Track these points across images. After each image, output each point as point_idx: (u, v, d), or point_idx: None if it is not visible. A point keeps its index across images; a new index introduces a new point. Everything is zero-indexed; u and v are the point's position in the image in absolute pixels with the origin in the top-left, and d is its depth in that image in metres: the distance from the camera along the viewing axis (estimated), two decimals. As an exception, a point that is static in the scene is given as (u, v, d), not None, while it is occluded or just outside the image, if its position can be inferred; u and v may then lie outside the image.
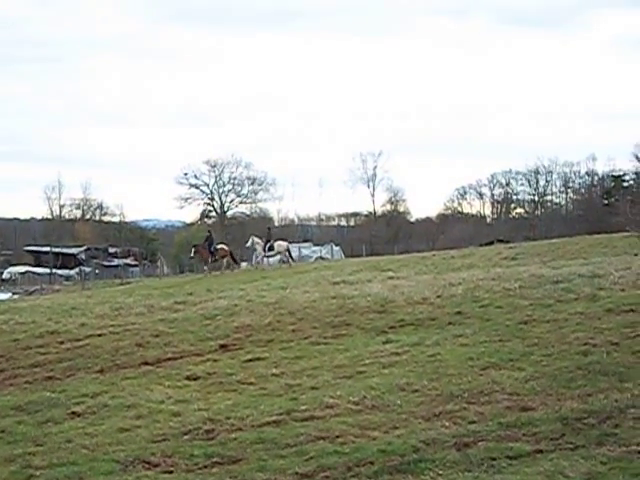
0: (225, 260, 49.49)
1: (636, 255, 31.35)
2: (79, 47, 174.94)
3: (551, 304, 18.76)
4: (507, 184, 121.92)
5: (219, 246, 50.27)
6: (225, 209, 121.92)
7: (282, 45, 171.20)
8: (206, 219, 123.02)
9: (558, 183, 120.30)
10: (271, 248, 49.58)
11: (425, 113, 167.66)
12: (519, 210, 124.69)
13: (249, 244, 50.50)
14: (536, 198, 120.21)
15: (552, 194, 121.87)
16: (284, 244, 50.45)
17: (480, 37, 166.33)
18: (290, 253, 50.65)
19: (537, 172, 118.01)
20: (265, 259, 50.93)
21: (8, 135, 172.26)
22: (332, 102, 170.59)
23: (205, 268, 49.00)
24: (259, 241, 50.06)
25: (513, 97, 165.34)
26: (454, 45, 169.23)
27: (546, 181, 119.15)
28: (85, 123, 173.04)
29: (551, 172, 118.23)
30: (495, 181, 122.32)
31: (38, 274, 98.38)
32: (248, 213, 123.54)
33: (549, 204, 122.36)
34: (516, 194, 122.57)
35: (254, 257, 51.76)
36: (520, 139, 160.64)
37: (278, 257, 51.08)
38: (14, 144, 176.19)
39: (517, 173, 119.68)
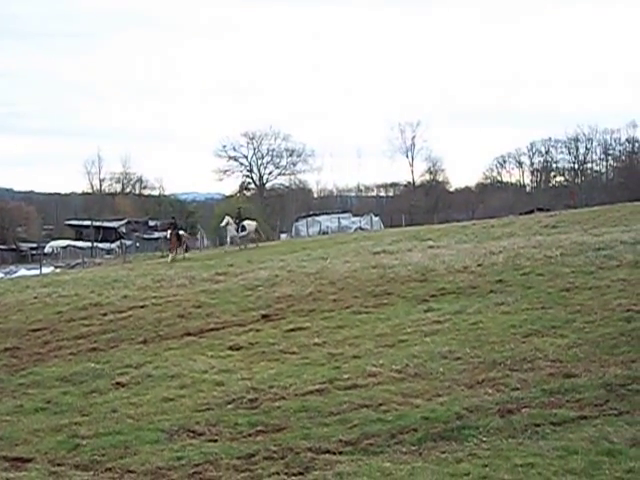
0: (251, 235, 49.08)
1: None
2: (116, 21, 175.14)
3: (593, 271, 18.65)
4: (547, 152, 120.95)
5: (245, 222, 49.60)
6: (264, 181, 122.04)
7: (320, 16, 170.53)
8: (245, 191, 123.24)
9: (598, 150, 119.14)
10: (243, 228, 49.04)
11: (464, 82, 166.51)
12: (559, 178, 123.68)
13: (223, 223, 49.99)
14: (576, 166, 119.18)
15: (592, 162, 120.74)
16: (253, 224, 49.88)
17: (519, 4, 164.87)
18: (260, 232, 50.05)
19: (577, 140, 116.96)
20: (230, 239, 50.16)
21: (48, 110, 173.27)
22: (370, 72, 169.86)
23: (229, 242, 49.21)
24: (231, 221, 49.53)
25: (553, 65, 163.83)
26: (494, 13, 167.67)
27: (586, 149, 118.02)
28: (124, 97, 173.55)
29: (591, 140, 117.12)
30: (534, 149, 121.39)
31: (79, 248, 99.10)
32: (287, 185, 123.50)
33: (589, 172, 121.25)
34: (556, 162, 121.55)
35: (227, 236, 50.30)
36: (560, 107, 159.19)
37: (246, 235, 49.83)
38: (54, 119, 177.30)
39: (557, 141, 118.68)
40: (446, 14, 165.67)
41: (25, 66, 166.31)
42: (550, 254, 21.63)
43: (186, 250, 46.42)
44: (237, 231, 48.80)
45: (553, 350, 12.36)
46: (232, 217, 49.98)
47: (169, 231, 46.93)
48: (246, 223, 49.31)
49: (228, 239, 49.68)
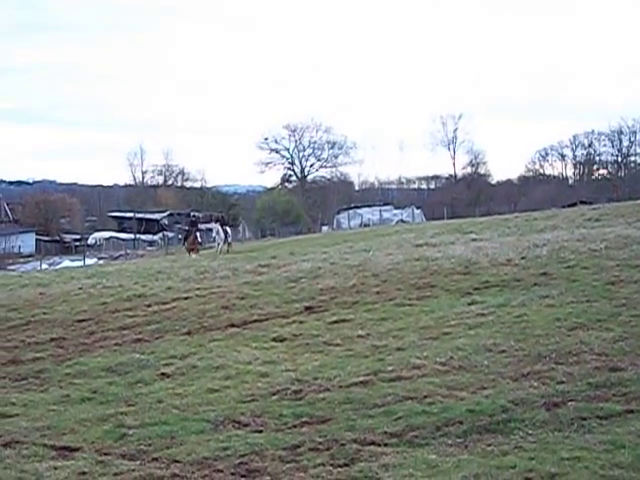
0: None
1: None
2: (158, 15, 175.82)
3: (638, 265, 18.50)
4: (589, 145, 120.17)
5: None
6: (305, 173, 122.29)
7: (363, 6, 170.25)
8: (286, 183, 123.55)
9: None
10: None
11: (506, 74, 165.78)
12: (602, 171, 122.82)
13: (213, 232, 48.15)
14: (619, 159, 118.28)
15: (636, 155, 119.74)
16: (216, 225, 48.27)
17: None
18: (227, 235, 48.00)
19: (620, 132, 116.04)
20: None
21: (91, 103, 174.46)
22: (413, 64, 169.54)
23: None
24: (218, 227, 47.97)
25: (595, 57, 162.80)
26: (540, 3, 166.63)
27: (630, 141, 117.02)
28: (166, 90, 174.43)
29: (635, 132, 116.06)
30: (577, 142, 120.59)
31: (122, 239, 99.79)
32: (328, 177, 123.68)
33: (632, 165, 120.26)
34: (599, 155, 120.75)
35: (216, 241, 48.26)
36: (603, 99, 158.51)
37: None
38: (97, 112, 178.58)
39: (600, 134, 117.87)
40: (491, 4, 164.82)
41: (69, 58, 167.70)
42: (594, 247, 21.49)
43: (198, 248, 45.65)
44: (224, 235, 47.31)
45: (599, 343, 12.28)
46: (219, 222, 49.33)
47: (188, 229, 47.11)
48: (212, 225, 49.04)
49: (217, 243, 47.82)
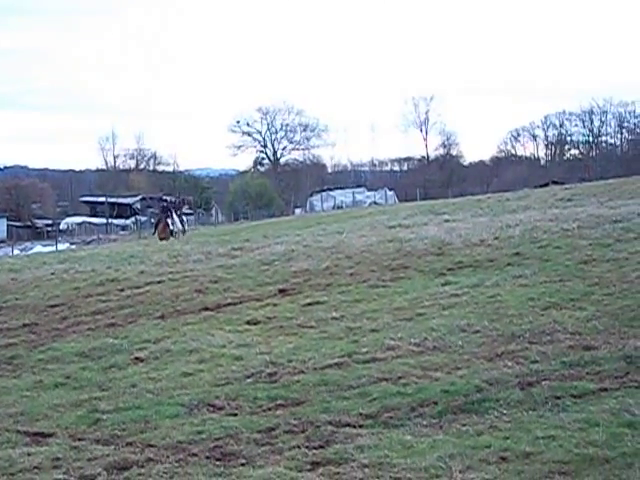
0: None
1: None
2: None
3: (611, 243, 18.63)
4: (561, 125, 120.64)
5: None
6: (278, 156, 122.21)
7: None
8: (259, 166, 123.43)
9: (613, 123, 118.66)
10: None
11: (478, 56, 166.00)
12: (573, 151, 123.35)
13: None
14: (590, 139, 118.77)
15: (607, 135, 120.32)
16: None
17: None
18: (182, 222, 47.22)
19: (591, 113, 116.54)
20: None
21: (62, 87, 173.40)
22: (384, 46, 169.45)
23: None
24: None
25: (565, 37, 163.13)
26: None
27: (601, 122, 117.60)
28: (138, 73, 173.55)
29: (606, 112, 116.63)
30: (549, 123, 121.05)
31: (95, 224, 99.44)
32: (301, 160, 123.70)
33: (604, 145, 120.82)
34: (570, 135, 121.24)
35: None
36: (573, 80, 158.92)
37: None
38: (68, 96, 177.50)
39: (571, 114, 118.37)
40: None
41: (38, 43, 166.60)
42: (567, 227, 21.61)
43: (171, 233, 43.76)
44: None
45: (572, 323, 12.33)
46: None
47: (158, 215, 45.81)
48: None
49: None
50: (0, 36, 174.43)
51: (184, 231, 45.20)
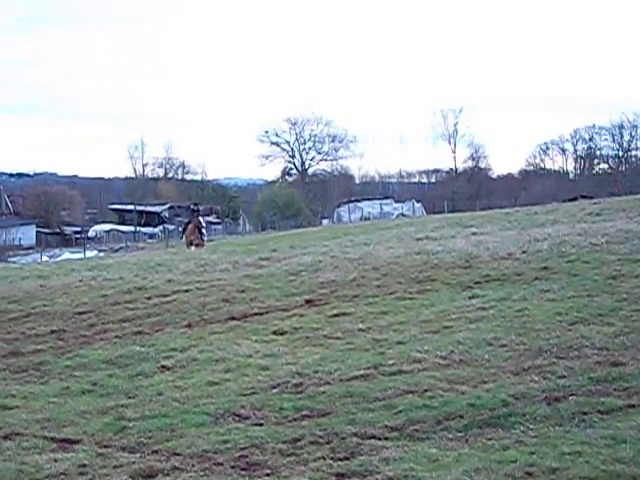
0: None
1: None
2: (153, 6, 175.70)
3: (639, 259, 18.50)
4: (590, 139, 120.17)
5: None
6: (306, 167, 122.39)
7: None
8: (287, 177, 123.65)
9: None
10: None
11: (507, 68, 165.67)
12: (603, 166, 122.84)
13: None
14: (620, 153, 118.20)
15: (637, 149, 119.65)
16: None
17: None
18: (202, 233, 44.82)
19: (621, 127, 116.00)
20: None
21: (92, 96, 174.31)
22: (414, 58, 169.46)
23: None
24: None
25: (596, 51, 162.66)
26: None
27: (630, 136, 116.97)
28: (168, 82, 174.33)
29: (636, 126, 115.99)
30: (578, 136, 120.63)
31: (123, 232, 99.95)
32: (329, 170, 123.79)
33: (634, 159, 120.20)
34: (599, 149, 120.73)
35: None
36: (603, 94, 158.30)
37: None
38: (98, 104, 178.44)
39: (600, 128, 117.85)
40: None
41: (67, 51, 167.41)
42: (595, 242, 21.47)
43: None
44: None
45: (600, 338, 12.27)
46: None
47: (188, 219, 43.87)
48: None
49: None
50: (29, 45, 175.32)
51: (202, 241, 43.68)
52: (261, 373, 12.09)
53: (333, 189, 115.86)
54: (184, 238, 43.00)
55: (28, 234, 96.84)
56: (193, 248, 39.51)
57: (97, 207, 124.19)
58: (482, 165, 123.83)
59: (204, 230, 42.91)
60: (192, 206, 45.98)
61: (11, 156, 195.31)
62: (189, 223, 42.81)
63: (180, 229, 49.06)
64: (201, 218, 42.78)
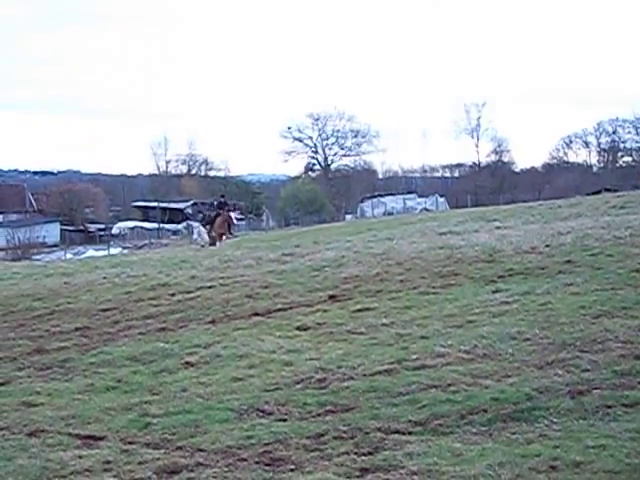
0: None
1: None
2: (181, 4, 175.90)
3: (663, 252, 18.42)
4: (614, 132, 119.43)
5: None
6: (329, 162, 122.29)
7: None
8: (310, 172, 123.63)
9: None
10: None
11: (530, 62, 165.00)
12: (626, 159, 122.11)
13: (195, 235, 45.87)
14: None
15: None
16: (198, 226, 45.93)
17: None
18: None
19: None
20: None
21: (115, 92, 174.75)
22: (436, 51, 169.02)
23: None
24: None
25: (619, 43, 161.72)
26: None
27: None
28: (191, 79, 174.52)
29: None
30: (602, 129, 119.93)
31: (146, 229, 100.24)
32: (352, 166, 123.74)
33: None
34: (623, 142, 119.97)
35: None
36: (627, 86, 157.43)
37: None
38: (121, 101, 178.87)
39: (624, 121, 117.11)
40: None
41: (90, 49, 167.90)
42: (619, 235, 21.40)
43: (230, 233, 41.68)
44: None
45: (624, 331, 12.20)
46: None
47: (216, 212, 42.08)
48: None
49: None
50: (51, 43, 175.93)
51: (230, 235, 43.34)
52: (285, 369, 12.10)
53: (356, 184, 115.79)
54: (211, 232, 41.58)
55: (52, 232, 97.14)
56: (219, 244, 38.65)
57: (121, 204, 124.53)
58: (505, 159, 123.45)
59: (233, 225, 41.82)
60: (220, 199, 44.56)
61: (35, 154, 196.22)
62: (217, 216, 41.34)
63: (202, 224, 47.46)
64: (232, 212, 41.53)
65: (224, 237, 39.79)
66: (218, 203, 43.52)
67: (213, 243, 39.65)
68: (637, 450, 7.82)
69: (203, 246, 41.69)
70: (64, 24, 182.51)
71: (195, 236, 43.48)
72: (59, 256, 62.78)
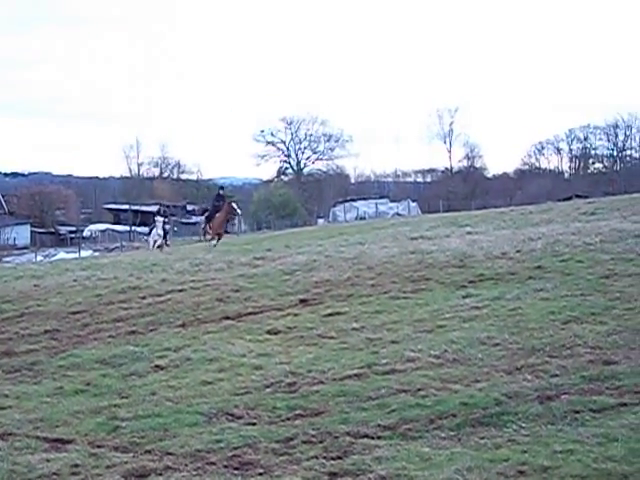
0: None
1: None
2: (157, 5, 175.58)
3: (633, 258, 18.52)
4: (585, 139, 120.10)
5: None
6: (301, 166, 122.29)
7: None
8: (282, 176, 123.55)
9: (637, 137, 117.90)
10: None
11: (502, 68, 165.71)
12: (597, 165, 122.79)
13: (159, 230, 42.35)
14: (615, 153, 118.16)
15: (631, 149, 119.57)
16: (161, 220, 42.80)
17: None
18: (165, 231, 43.47)
19: (616, 126, 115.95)
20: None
21: (87, 95, 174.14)
22: (409, 57, 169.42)
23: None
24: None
25: (590, 51, 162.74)
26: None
27: (625, 135, 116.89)
28: (163, 82, 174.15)
29: (630, 126, 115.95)
30: (573, 136, 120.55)
31: (118, 232, 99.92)
32: (324, 170, 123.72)
33: (628, 159, 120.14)
34: (594, 149, 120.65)
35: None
36: (598, 94, 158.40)
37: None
38: (93, 104, 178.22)
39: (595, 128, 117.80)
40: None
41: (63, 51, 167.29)
42: (589, 241, 21.51)
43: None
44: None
45: (592, 337, 12.27)
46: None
47: (215, 205, 37.52)
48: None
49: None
50: (22, 45, 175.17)
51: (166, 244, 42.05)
52: (255, 373, 12.09)
53: (329, 189, 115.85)
54: (208, 230, 37.59)
55: (22, 234, 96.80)
56: (215, 242, 35.83)
57: (92, 207, 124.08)
58: (477, 165, 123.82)
59: (237, 215, 38.13)
60: (219, 190, 40.25)
61: (5, 155, 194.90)
62: (217, 211, 36.82)
63: (175, 229, 44.60)
64: (234, 204, 37.29)
65: (221, 235, 36.61)
66: (217, 196, 39.12)
67: (214, 239, 36.41)
68: (605, 455, 7.85)
69: (155, 241, 41.01)
70: (32, 26, 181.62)
71: (159, 230, 41.28)
72: (29, 258, 62.49)
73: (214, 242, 35.85)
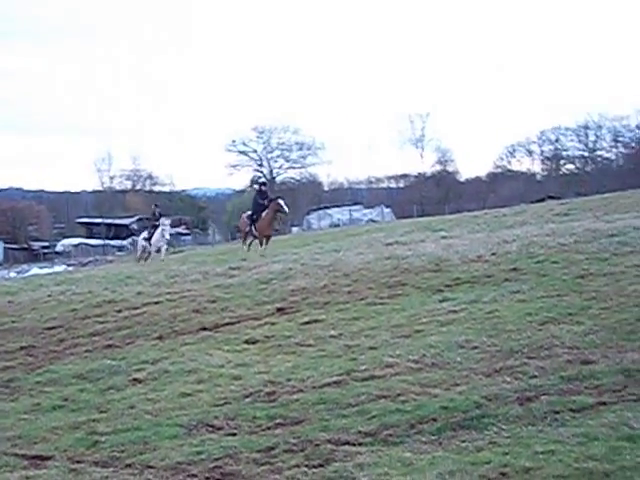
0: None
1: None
2: (119, 17, 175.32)
3: (607, 258, 18.58)
4: (556, 140, 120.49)
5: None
6: (274, 175, 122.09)
7: (328, 7, 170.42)
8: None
9: (608, 138, 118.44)
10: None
11: (472, 71, 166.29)
12: (569, 166, 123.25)
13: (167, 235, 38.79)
14: (586, 154, 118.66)
15: (602, 149, 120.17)
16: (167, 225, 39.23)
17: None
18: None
19: (586, 127, 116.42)
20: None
21: (58, 109, 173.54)
22: (379, 63, 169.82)
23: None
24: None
25: (560, 52, 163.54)
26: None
27: (596, 136, 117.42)
28: (133, 95, 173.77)
29: (601, 127, 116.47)
30: (544, 138, 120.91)
31: (91, 245, 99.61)
32: (297, 178, 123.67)
33: (599, 159, 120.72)
34: (566, 150, 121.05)
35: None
36: (568, 95, 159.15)
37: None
38: (64, 118, 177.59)
39: (566, 129, 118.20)
40: (457, 2, 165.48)
41: (33, 65, 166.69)
42: (563, 242, 21.57)
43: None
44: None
45: (570, 337, 12.30)
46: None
47: (260, 204, 33.13)
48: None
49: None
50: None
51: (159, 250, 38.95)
52: (233, 383, 12.05)
53: (302, 197, 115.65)
54: (254, 232, 33.55)
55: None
56: (263, 246, 32.55)
57: (65, 221, 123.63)
58: (450, 169, 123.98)
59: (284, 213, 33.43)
60: (260, 186, 35.16)
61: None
62: (263, 210, 32.83)
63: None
64: (281, 200, 33.40)
65: (270, 237, 33.22)
66: (258, 193, 34.28)
67: (261, 242, 32.93)
68: (586, 454, 7.87)
69: (159, 248, 38.48)
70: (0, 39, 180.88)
71: (166, 235, 38.47)
72: (2, 275, 62.12)
73: (262, 246, 32.51)
